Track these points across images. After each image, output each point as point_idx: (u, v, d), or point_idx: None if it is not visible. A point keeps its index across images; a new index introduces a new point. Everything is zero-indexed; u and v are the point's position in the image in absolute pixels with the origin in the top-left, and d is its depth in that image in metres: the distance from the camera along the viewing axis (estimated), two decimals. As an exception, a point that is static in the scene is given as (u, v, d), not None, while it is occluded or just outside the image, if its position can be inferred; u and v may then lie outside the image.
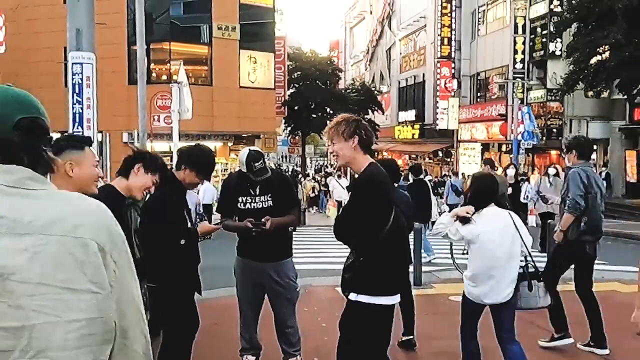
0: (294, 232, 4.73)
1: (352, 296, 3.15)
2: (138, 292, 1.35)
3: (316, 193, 25.02)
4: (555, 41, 23.53)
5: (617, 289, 7.25)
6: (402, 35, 41.07)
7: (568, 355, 5.06)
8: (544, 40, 24.04)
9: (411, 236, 6.05)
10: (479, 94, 31.49)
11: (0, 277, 1.13)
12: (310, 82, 34.09)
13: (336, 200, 18.56)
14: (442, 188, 17.84)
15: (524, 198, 12.65)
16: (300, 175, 28.47)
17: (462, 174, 22.08)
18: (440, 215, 6.46)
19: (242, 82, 24.93)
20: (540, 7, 24.51)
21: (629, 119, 22.50)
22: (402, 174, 10.28)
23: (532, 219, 12.79)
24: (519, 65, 25.47)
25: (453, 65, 31.69)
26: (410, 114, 38.24)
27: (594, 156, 24.03)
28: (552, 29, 23.28)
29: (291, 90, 33.43)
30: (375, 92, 39.17)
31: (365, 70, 51.68)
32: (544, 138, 24.38)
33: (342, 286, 3.25)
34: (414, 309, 5.21)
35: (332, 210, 18.90)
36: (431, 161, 36.81)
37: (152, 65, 22.50)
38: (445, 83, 31.58)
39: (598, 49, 19.32)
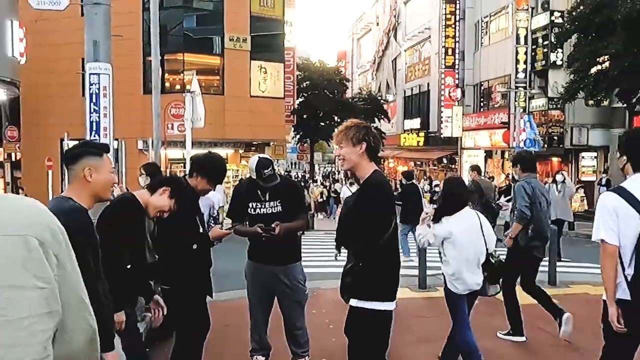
0: (302, 236, 4.83)
1: (354, 302, 3.17)
2: (81, 284, 1.33)
3: (324, 198, 25.22)
4: (556, 51, 23.48)
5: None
6: (408, 46, 41.60)
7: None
8: (545, 50, 24.03)
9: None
10: (482, 103, 31.51)
11: None
12: (318, 91, 34.53)
13: (346, 207, 18.75)
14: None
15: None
16: (309, 181, 28.70)
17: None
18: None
19: (252, 92, 25.13)
20: (541, 18, 24.53)
21: (628, 126, 22.67)
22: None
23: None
24: (521, 75, 25.51)
25: (457, 74, 31.81)
26: (416, 122, 38.63)
27: (594, 162, 24.54)
28: (553, 40, 23.25)
29: (300, 99, 33.72)
30: (382, 101, 39.52)
31: (372, 79, 52.14)
32: (546, 145, 24.41)
33: (342, 290, 3.26)
34: None
35: (342, 216, 19.11)
36: (436, 168, 36.98)
37: (166, 76, 22.75)
38: (449, 92, 31.70)
39: (598, 59, 19.08)
